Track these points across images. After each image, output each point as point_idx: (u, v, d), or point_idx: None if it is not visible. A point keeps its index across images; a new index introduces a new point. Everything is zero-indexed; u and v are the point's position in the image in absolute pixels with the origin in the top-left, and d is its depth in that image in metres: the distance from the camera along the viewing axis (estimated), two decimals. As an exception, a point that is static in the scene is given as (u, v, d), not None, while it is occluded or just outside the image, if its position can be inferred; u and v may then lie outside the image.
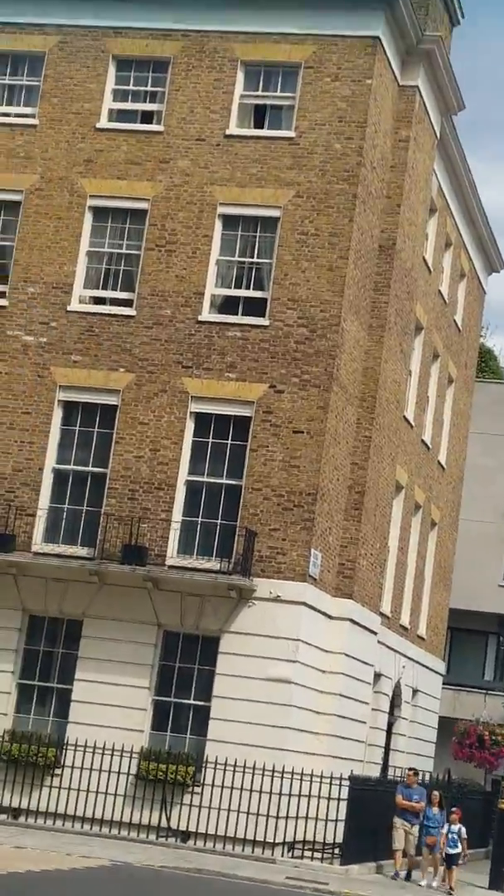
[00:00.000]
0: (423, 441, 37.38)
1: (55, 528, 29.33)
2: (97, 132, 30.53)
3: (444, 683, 43.05)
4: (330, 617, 29.62)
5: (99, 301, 30.21)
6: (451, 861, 26.80)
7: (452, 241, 38.55)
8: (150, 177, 30.09)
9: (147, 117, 30.72)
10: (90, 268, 30.32)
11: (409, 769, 28.58)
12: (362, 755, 31.44)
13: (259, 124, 30.08)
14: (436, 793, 28.05)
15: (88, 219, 30.36)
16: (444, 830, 27.03)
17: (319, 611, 29.07)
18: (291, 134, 29.52)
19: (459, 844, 26.95)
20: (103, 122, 30.60)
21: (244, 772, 26.76)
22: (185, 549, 28.59)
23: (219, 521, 28.66)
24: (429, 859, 27.31)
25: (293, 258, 29.11)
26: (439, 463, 39.79)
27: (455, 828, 27.03)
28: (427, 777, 33.10)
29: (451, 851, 26.86)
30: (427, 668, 39.53)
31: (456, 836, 26.93)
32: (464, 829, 27.20)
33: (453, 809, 27.54)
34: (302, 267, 29.04)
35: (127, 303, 29.87)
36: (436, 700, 40.96)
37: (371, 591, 31.80)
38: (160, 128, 30.24)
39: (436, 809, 27.36)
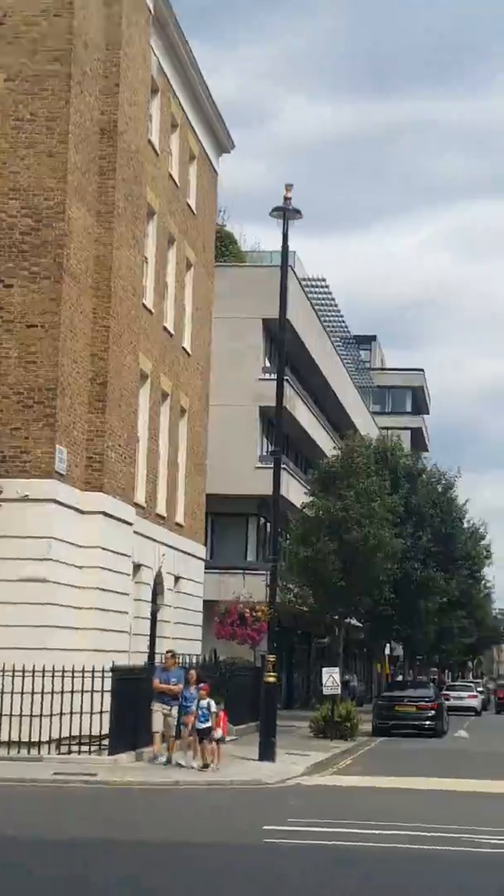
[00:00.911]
0: (165, 328, 36.97)
1: None
2: None
3: (207, 568, 43.22)
4: (82, 512, 29.17)
5: None
6: (203, 736, 26.85)
7: (178, 122, 37.88)
8: None
9: None
10: None
11: (167, 652, 28.56)
12: (127, 646, 31.28)
13: (-42, 5, 28.52)
14: (192, 672, 28.11)
15: None
16: (194, 707, 27.05)
17: (70, 506, 28.59)
18: (-5, 14, 28.24)
19: (210, 719, 26.97)
20: None
21: (3, 675, 26.29)
22: None
23: (-42, 424, 27.76)
24: (188, 739, 27.39)
25: (10, 146, 28.09)
26: (184, 349, 39.47)
27: (203, 703, 27.02)
28: (194, 659, 33.17)
29: (202, 726, 26.89)
30: (188, 554, 39.54)
31: (206, 711, 26.94)
32: (213, 703, 27.15)
33: (200, 685, 27.50)
34: (20, 154, 28.06)
35: None
36: (199, 585, 41.08)
37: (123, 483, 31.42)
38: None
39: (193, 689, 27.38)
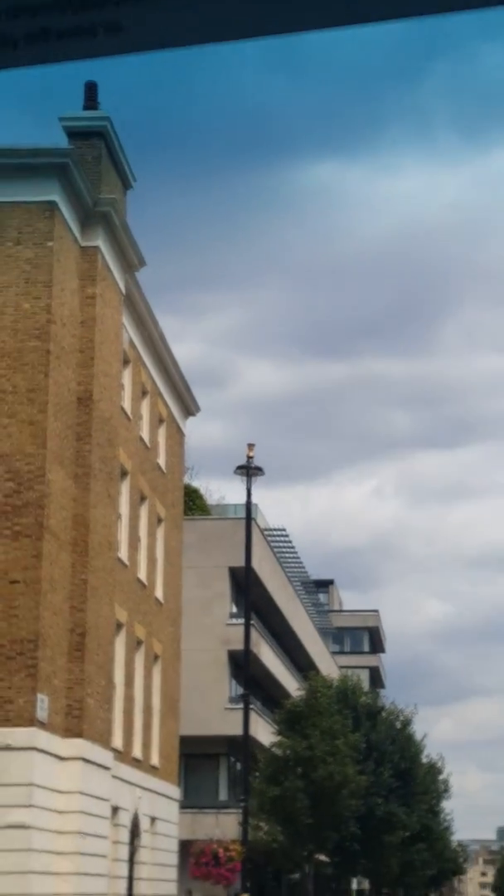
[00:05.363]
0: (138, 579, 36.98)
1: None
2: None
3: (181, 807, 42.20)
4: (61, 758, 28.58)
5: None
6: None
7: (148, 389, 38.69)
8: None
9: None
10: None
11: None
12: (106, 888, 30.30)
13: None
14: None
15: None
16: None
17: (50, 753, 28.02)
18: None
19: None
20: None
21: (-13, 922, 25.37)
22: None
23: None
24: None
25: (-6, 416, 28.56)
26: (156, 599, 39.41)
27: None
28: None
29: None
30: (163, 795, 38.65)
31: None
32: None
33: None
34: (3, 423, 28.48)
35: None
36: (174, 825, 40.03)
37: (101, 728, 30.91)
38: None
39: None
